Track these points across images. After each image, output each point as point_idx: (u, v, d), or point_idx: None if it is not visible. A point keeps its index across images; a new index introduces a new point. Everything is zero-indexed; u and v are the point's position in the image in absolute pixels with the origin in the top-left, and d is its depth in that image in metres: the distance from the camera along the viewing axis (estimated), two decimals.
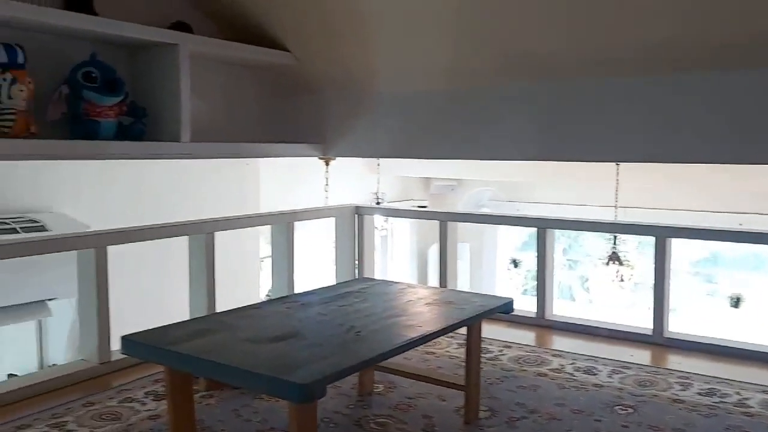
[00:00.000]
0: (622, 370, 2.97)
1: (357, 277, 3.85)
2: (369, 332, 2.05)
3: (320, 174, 4.38)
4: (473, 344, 2.39)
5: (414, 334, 2.03)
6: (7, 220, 3.36)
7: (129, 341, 1.88)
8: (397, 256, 8.20)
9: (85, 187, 3.96)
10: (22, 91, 2.59)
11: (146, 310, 3.74)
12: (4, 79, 2.56)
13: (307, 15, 3.30)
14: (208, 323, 2.11)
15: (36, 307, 3.52)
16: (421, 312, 2.33)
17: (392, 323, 2.16)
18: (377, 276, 4.06)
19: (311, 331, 2.08)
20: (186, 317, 3.10)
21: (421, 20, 3.08)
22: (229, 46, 3.36)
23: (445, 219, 3.86)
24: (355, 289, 2.55)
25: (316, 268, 5.50)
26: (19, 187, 3.61)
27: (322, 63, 3.62)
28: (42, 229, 3.40)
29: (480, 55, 3.16)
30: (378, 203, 6.69)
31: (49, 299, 3.58)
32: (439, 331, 2.12)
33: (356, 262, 3.94)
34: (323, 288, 2.63)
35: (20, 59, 2.62)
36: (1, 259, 2.43)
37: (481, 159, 3.90)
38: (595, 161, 3.67)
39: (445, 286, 3.76)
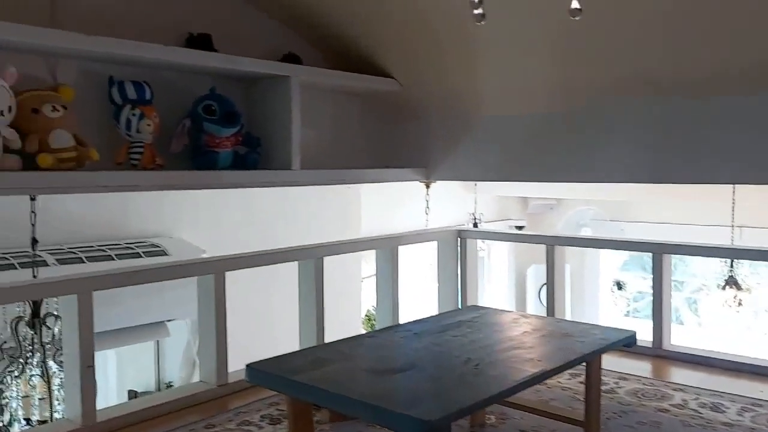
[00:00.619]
0: (752, 407, 2.77)
1: (462, 304, 3.81)
2: (486, 365, 2.01)
3: (418, 195, 4.39)
4: (593, 379, 2.29)
5: (534, 369, 1.98)
6: (131, 245, 3.57)
7: (253, 370, 1.93)
8: (494, 277, 8.07)
9: (201, 214, 4.15)
10: (149, 125, 2.75)
11: (256, 332, 3.87)
12: (134, 114, 2.73)
13: (413, 42, 3.33)
14: (327, 352, 2.14)
15: (155, 328, 3.71)
16: (538, 345, 2.26)
17: (509, 356, 2.10)
18: (477, 299, 4.00)
19: (428, 363, 2.06)
20: (294, 339, 3.19)
21: (528, 42, 3.03)
22: (336, 75, 3.43)
23: (553, 243, 3.75)
24: (467, 319, 2.52)
25: (416, 291, 5.49)
26: (142, 213, 3.83)
27: (426, 88, 3.63)
28: (162, 253, 3.58)
29: (588, 76, 3.08)
30: (475, 224, 6.63)
31: (168, 320, 3.76)
32: (560, 366, 2.06)
33: (459, 287, 3.90)
34: (434, 316, 2.62)
35: (147, 95, 2.78)
36: (133, 284, 2.57)
37: (589, 182, 3.79)
38: (711, 183, 3.48)
39: (553, 314, 3.65)
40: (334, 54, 3.65)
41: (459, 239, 3.96)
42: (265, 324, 4.20)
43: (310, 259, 3.11)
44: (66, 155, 2.47)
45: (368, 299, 6.03)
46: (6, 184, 2.27)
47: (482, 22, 1.37)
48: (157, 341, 4.12)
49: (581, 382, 2.34)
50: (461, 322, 2.45)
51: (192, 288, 3.47)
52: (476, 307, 2.80)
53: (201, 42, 2.97)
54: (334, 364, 1.99)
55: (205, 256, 3.77)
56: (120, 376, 4.18)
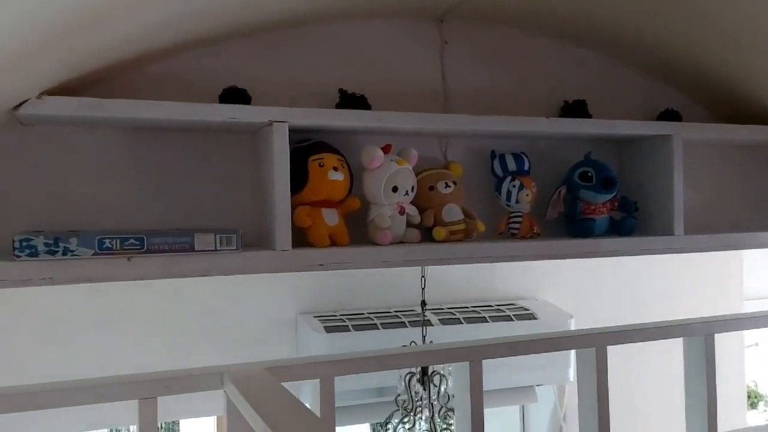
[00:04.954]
0: None
1: None
2: None
3: None
4: None
5: None
6: (501, 307, 3.69)
7: None
8: None
9: (565, 276, 4.11)
10: (528, 195, 2.82)
11: (619, 404, 3.63)
12: (514, 186, 2.83)
13: None
14: None
15: (524, 392, 3.73)
16: None
17: None
18: None
19: None
20: (666, 420, 2.88)
21: None
22: (725, 129, 3.10)
23: None
24: None
25: None
26: (508, 275, 3.94)
27: None
28: (531, 317, 3.61)
29: None
30: None
31: (537, 385, 3.76)
32: None
33: None
34: None
35: (526, 166, 2.87)
36: (519, 354, 2.61)
37: None
38: None
39: None
40: (719, 105, 3.30)
41: None
42: (625, 396, 3.91)
43: (700, 336, 2.80)
44: (456, 228, 2.67)
45: (751, 372, 5.24)
46: (409, 256, 2.53)
47: None
48: (522, 405, 4.15)
49: None
50: None
51: (561, 353, 3.41)
52: None
53: (576, 109, 2.96)
54: None
55: (572, 320, 3.70)
56: None
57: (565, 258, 2.85)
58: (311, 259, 2.36)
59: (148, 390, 2.00)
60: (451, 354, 2.42)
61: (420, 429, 3.05)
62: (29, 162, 2.25)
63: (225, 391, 2.06)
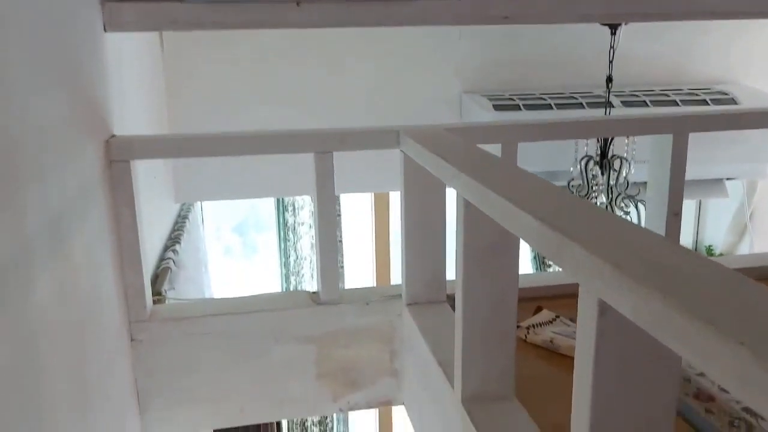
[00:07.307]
0: None
1: None
2: None
3: None
4: None
5: None
6: (695, 91, 3.20)
7: None
8: None
9: None
10: None
11: None
12: None
13: None
14: None
15: (711, 186, 3.34)
16: None
17: None
18: None
19: None
20: None
21: None
22: None
23: None
24: None
25: None
26: (707, 57, 3.38)
27: None
28: (732, 102, 3.11)
29: None
30: None
31: (726, 179, 3.35)
32: None
33: None
34: None
35: None
36: (730, 129, 2.23)
37: None
38: None
39: None
40: None
41: None
42: None
43: None
44: None
45: None
46: (611, 9, 2.13)
47: None
48: (699, 201, 3.78)
49: None
50: None
51: (752, 144, 3.03)
52: None
53: None
54: None
55: None
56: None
57: None
58: (495, 10, 2.03)
59: (325, 143, 1.89)
60: (656, 124, 2.10)
61: None
62: None
63: (401, 150, 1.91)
